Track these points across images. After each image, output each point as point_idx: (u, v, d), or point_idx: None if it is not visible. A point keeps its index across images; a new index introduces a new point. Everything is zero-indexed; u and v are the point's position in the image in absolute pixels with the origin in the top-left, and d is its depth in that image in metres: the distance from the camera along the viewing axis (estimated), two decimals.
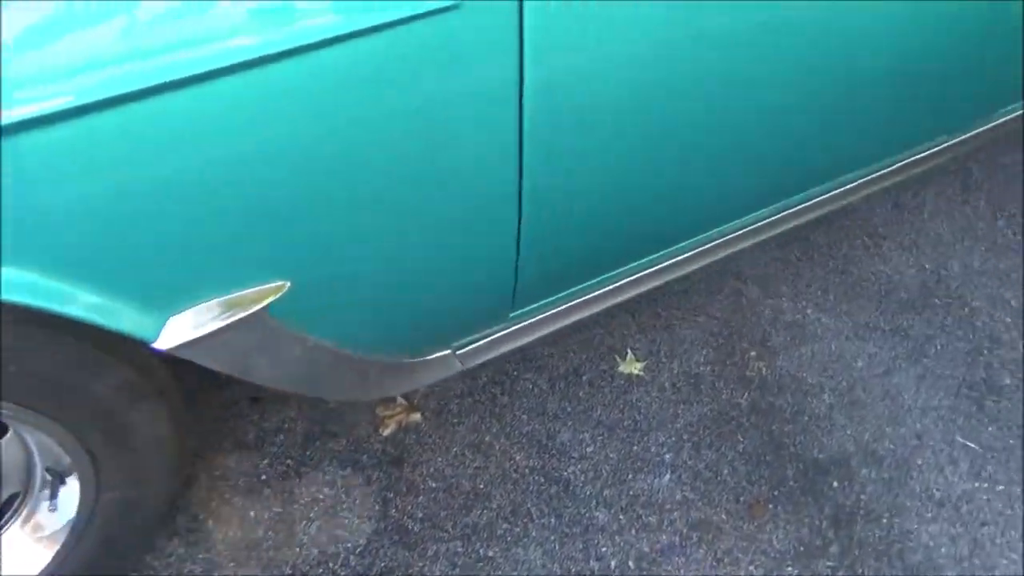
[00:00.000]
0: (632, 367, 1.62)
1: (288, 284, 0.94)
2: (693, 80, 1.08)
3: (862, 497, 1.45)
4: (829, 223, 1.93)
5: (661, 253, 1.36)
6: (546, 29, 0.90)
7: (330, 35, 0.79)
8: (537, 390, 1.58)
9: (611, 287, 1.39)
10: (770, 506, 1.43)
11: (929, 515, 1.43)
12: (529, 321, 1.32)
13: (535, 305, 1.30)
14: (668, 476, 1.46)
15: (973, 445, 1.53)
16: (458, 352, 1.27)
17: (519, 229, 1.09)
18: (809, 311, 1.76)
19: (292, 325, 1.00)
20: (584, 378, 1.61)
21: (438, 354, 1.25)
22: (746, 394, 1.59)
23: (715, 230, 1.44)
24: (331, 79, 0.82)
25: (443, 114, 0.91)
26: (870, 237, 1.94)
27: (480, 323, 1.26)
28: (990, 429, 1.56)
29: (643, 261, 1.37)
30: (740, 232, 1.50)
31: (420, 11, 0.83)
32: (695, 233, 1.39)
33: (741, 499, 1.44)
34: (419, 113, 0.90)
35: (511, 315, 1.27)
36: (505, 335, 1.31)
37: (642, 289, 1.43)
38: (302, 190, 0.89)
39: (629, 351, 1.65)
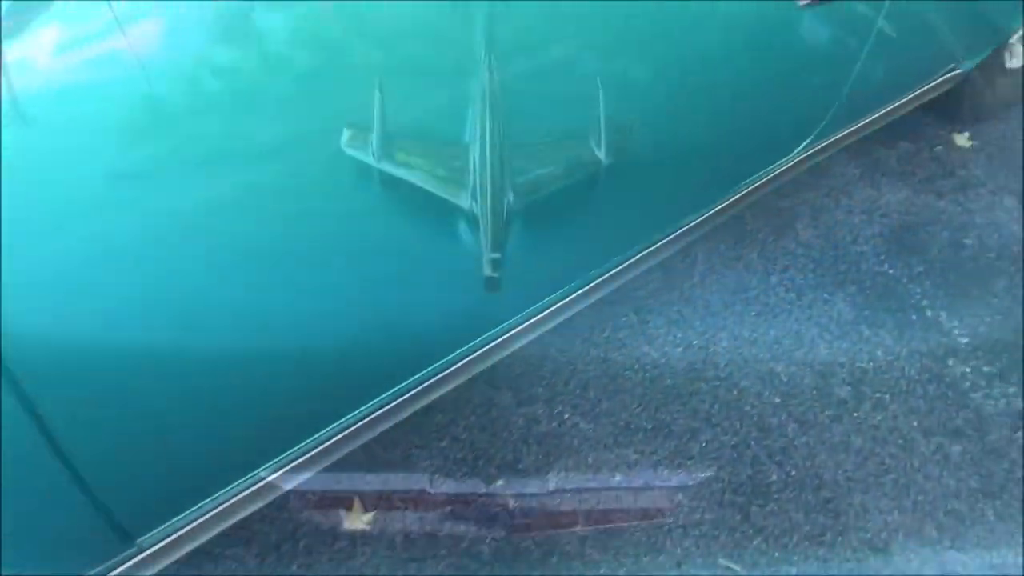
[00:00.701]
0: (357, 521, 1.40)
1: None
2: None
3: None
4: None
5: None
6: None
7: None
8: (243, 570, 1.33)
9: (312, 452, 1.16)
10: None
11: None
12: (182, 532, 1.07)
13: (178, 517, 1.05)
14: None
15: (736, 567, 1.38)
16: None
17: (75, 471, 0.85)
18: (567, 415, 1.58)
19: None
20: (301, 544, 1.37)
21: None
22: (490, 538, 1.40)
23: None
24: None
25: None
26: (636, 313, 1.78)
27: (89, 563, 1.00)
28: (755, 542, 1.42)
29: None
30: (479, 353, 1.31)
31: None
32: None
33: None
34: None
35: (138, 540, 1.02)
36: (151, 554, 1.06)
37: (345, 450, 1.21)
38: None
39: (356, 500, 1.42)
